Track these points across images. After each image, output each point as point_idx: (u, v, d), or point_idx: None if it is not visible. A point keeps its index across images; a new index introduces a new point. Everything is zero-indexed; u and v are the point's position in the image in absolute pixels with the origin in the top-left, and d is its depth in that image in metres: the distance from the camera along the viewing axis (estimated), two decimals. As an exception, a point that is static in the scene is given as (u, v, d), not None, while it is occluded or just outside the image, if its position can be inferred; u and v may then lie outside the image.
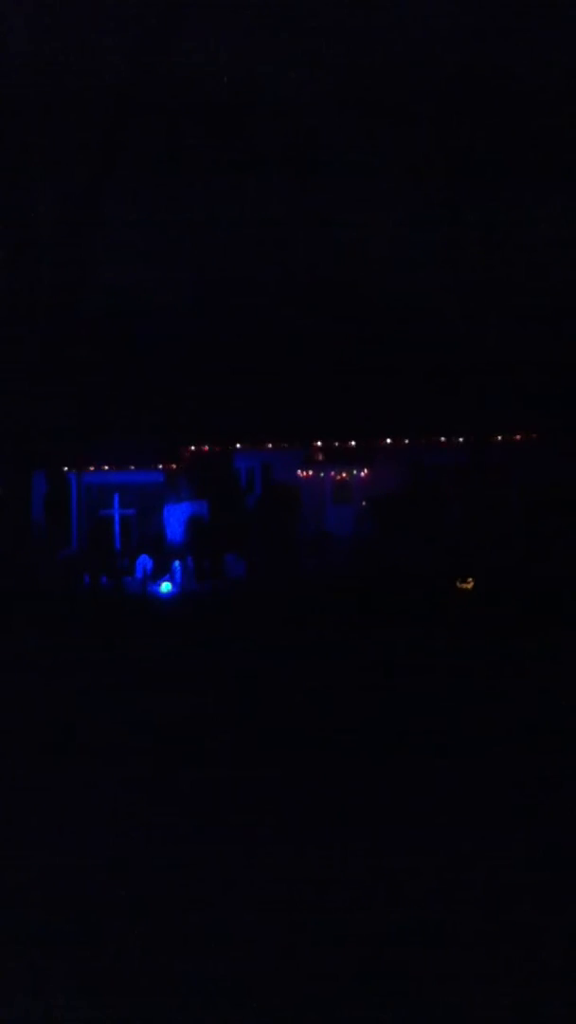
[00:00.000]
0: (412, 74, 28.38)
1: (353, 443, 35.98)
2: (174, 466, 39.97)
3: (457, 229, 30.86)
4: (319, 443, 36.52)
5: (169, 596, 29.03)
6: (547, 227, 30.16)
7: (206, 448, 38.64)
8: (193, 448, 38.83)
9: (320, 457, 36.48)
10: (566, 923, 6.99)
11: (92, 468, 40.87)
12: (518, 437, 34.43)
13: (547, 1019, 5.88)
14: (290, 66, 27.93)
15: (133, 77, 26.92)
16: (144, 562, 34.55)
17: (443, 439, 35.05)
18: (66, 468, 40.79)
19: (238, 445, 37.98)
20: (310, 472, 36.77)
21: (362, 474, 36.16)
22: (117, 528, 38.77)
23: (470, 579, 28.19)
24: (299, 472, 36.80)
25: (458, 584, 28.28)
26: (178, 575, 32.63)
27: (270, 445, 37.41)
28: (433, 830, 8.76)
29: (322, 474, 36.80)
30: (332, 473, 36.72)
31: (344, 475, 36.51)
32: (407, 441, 35.70)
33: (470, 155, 29.25)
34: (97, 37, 26.36)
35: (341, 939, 6.79)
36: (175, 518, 38.27)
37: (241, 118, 28.83)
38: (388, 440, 35.86)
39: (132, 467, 40.33)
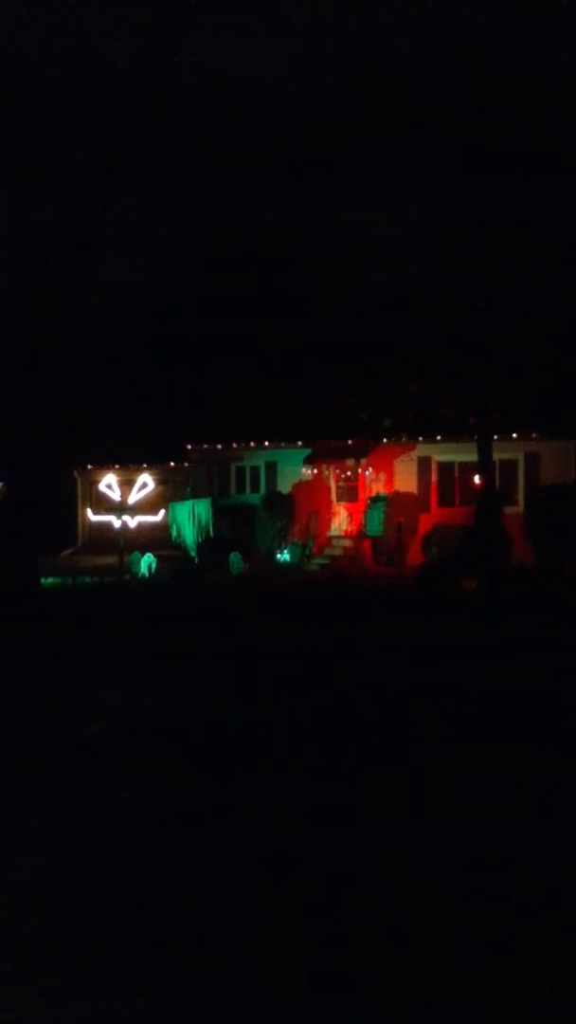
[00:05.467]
0: (415, 73, 28.36)
1: (358, 442, 35.94)
2: (179, 465, 39.99)
3: (461, 228, 30.81)
4: (324, 442, 36.49)
5: (175, 593, 28.98)
6: (550, 226, 30.14)
7: (210, 447, 38.63)
8: (198, 447, 38.83)
9: (325, 456, 36.44)
10: (567, 922, 6.97)
11: (96, 467, 40.92)
12: (523, 436, 34.43)
13: (547, 1019, 5.86)
14: (292, 65, 27.92)
15: (135, 76, 26.91)
16: (149, 560, 34.60)
17: (449, 438, 35.02)
18: (70, 467, 40.84)
19: (243, 444, 37.97)
20: (315, 471, 36.73)
21: (367, 473, 36.12)
22: (121, 526, 38.80)
23: (473, 578, 28.13)
24: (304, 471, 36.76)
25: (463, 584, 28.22)
26: (183, 572, 32.65)
27: (276, 444, 37.39)
28: (435, 829, 8.74)
29: (326, 472, 36.77)
30: (337, 472, 36.69)
31: (349, 473, 36.48)
32: (412, 440, 35.68)
33: (474, 153, 29.20)
34: (99, 36, 26.37)
35: (343, 938, 6.77)
36: (180, 516, 38.30)
37: (242, 118, 28.83)
38: (393, 439, 35.82)
39: (138, 465, 40.38)
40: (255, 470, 38.30)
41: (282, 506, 35.98)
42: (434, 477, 35.66)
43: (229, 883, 7.65)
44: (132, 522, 39.61)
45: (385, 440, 35.91)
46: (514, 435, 34.24)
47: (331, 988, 6.16)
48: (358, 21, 28.02)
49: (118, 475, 40.47)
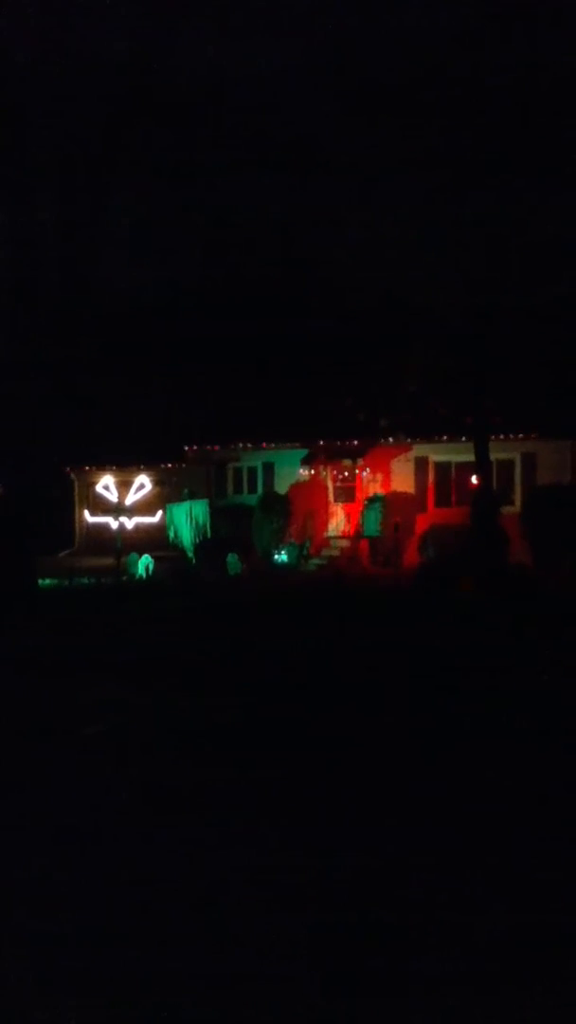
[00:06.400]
0: (415, 72, 28.39)
1: (356, 442, 35.97)
2: (176, 466, 40.00)
3: (458, 227, 30.84)
4: (321, 442, 36.52)
5: (173, 594, 28.97)
6: (551, 225, 30.19)
7: (208, 448, 38.66)
8: (195, 448, 38.85)
9: (322, 456, 36.48)
10: (568, 921, 6.99)
11: (94, 467, 40.93)
12: (520, 436, 34.44)
13: (547, 1019, 5.87)
14: (292, 65, 27.96)
15: (134, 77, 26.94)
16: (146, 561, 34.59)
17: (446, 438, 35.05)
18: (68, 468, 40.86)
19: (240, 445, 38.00)
20: (312, 471, 36.75)
21: (364, 473, 36.14)
22: (118, 527, 38.79)
23: (470, 578, 28.15)
24: (301, 471, 36.79)
25: (460, 584, 28.22)
26: (181, 573, 32.65)
27: (273, 445, 37.41)
28: (435, 828, 8.75)
29: (324, 472, 36.78)
30: (334, 472, 36.71)
31: (346, 474, 36.50)
32: (409, 440, 35.71)
33: (475, 153, 29.24)
34: (98, 37, 26.40)
35: (342, 938, 6.79)
36: (178, 517, 38.30)
37: (241, 117, 28.88)
38: (389, 439, 35.84)
39: (136, 466, 40.40)
40: (252, 471, 38.33)
41: (279, 507, 35.98)
42: (431, 477, 35.69)
43: (229, 883, 7.67)
44: (129, 523, 39.62)
45: (382, 440, 35.93)
46: (511, 435, 34.27)
47: (332, 988, 6.17)
48: (358, 21, 28.06)
49: (115, 476, 40.47)
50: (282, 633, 20.79)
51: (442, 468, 35.67)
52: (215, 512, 36.42)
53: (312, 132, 29.70)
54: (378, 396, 36.21)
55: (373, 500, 35.18)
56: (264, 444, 37.66)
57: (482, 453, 31.68)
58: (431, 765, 10.68)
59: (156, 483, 40.49)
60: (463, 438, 33.63)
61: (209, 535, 36.08)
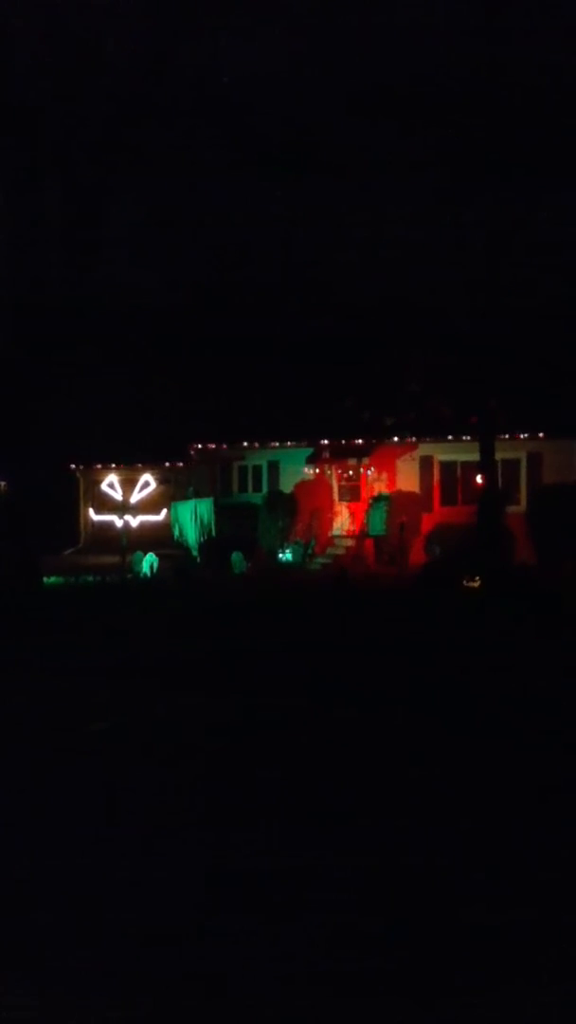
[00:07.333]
0: (415, 72, 28.39)
1: (361, 441, 35.95)
2: (181, 464, 40.02)
3: (461, 227, 30.82)
4: (326, 441, 36.50)
5: (177, 592, 29.00)
6: (550, 226, 30.18)
7: (213, 446, 38.66)
8: (200, 446, 38.84)
9: (328, 455, 36.46)
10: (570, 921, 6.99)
11: (98, 466, 40.95)
12: (526, 436, 34.41)
13: (548, 1019, 5.88)
14: (293, 65, 27.97)
15: (135, 76, 26.97)
16: (151, 559, 34.60)
17: (451, 437, 35.01)
18: (72, 466, 40.87)
19: (245, 444, 38.01)
20: (317, 470, 36.73)
21: (369, 472, 36.12)
22: (123, 525, 38.82)
23: (477, 578, 28.15)
24: (306, 470, 36.77)
25: (465, 583, 28.23)
26: (186, 571, 32.66)
27: (278, 444, 37.41)
28: (436, 828, 8.76)
29: (329, 471, 36.76)
30: (339, 471, 36.69)
31: (351, 473, 36.48)
32: (414, 439, 35.68)
33: (475, 153, 29.22)
34: (99, 37, 26.43)
35: (341, 939, 6.79)
36: (182, 515, 38.31)
37: (243, 117, 28.88)
38: (395, 438, 35.82)
39: (140, 464, 40.41)
40: (257, 469, 38.31)
41: (284, 505, 35.99)
42: (436, 476, 35.64)
43: (229, 882, 7.68)
44: (134, 521, 39.64)
45: (387, 440, 35.87)
46: (517, 435, 34.22)
47: (332, 987, 6.18)
48: (359, 21, 28.05)
49: (120, 474, 40.49)
50: (285, 632, 20.80)
51: (448, 467, 35.62)
52: (220, 511, 36.40)
53: (312, 132, 29.67)
54: (383, 395, 36.18)
55: (378, 499, 35.14)
56: (269, 443, 37.64)
57: (487, 452, 31.65)
58: (432, 764, 10.69)
59: (161, 481, 40.50)
60: (468, 437, 33.58)
61: (214, 534, 36.08)
